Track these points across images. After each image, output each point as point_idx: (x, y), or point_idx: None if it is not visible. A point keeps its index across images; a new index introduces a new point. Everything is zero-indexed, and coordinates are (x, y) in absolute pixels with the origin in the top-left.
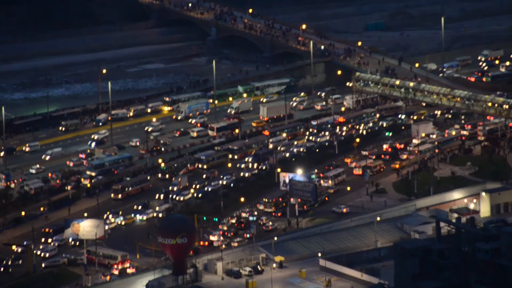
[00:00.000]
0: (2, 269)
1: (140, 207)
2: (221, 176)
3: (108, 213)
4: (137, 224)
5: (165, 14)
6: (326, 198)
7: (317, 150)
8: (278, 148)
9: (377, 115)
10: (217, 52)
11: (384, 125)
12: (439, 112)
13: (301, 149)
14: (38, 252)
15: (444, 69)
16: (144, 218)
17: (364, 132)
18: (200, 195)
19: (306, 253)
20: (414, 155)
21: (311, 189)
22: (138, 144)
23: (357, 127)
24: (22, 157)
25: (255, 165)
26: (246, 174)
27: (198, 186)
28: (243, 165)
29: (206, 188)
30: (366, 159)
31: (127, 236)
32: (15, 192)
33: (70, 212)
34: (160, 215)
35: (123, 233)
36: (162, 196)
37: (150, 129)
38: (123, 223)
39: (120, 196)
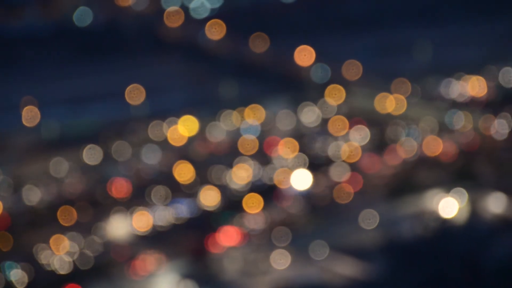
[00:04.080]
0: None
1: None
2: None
3: (138, 211)
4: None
5: (186, 46)
6: None
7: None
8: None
9: None
10: (230, 79)
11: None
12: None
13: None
14: None
15: None
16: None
17: None
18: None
19: (307, 247)
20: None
21: (308, 198)
22: None
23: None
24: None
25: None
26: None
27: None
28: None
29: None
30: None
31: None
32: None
33: (101, 213)
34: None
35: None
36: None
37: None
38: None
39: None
